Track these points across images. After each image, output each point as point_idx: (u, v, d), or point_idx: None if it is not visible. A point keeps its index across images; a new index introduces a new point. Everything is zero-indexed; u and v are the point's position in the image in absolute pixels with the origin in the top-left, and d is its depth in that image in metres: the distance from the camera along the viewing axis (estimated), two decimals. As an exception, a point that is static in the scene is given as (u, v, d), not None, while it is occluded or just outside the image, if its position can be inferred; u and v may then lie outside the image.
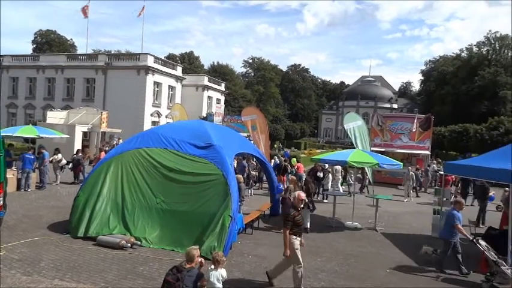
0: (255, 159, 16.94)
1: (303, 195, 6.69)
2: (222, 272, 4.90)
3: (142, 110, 34.47)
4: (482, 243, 7.18)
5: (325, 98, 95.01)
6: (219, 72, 63.04)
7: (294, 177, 12.11)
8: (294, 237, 6.31)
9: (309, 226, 10.41)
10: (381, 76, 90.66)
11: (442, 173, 13.52)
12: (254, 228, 10.11)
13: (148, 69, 34.71)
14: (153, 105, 36.17)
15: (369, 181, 17.43)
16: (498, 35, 58.30)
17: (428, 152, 23.13)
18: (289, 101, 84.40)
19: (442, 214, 10.62)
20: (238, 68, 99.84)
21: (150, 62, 35.25)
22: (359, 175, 19.81)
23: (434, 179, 21.09)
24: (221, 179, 8.45)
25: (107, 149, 19.38)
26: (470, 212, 13.98)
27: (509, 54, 58.17)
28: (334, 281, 7.00)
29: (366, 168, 16.17)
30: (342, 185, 17.61)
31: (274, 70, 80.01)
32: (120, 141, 23.43)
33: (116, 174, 9.03)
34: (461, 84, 55.61)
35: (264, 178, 16.81)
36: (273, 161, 19.73)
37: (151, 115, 35.95)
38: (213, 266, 4.94)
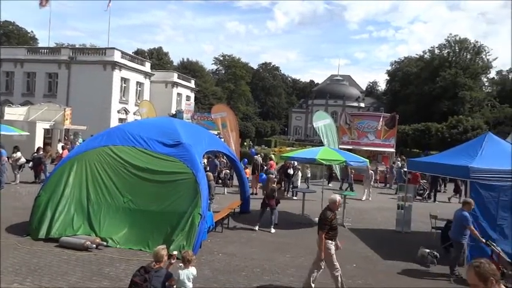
0: (225, 157, 16.88)
1: (340, 198, 6.66)
2: (192, 271, 4.86)
3: (108, 106, 33.41)
4: (495, 245, 7.23)
5: (295, 97, 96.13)
6: (189, 69, 62.19)
7: (272, 176, 12.29)
8: (330, 242, 6.29)
9: (276, 222, 10.57)
10: (349, 75, 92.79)
11: (406, 169, 14.04)
12: (224, 226, 10.08)
13: (115, 65, 33.66)
14: (120, 102, 35.14)
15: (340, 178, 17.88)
16: (458, 38, 61.19)
17: (393, 150, 23.96)
18: (260, 99, 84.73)
19: (406, 209, 11.08)
20: (209, 65, 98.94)
21: (117, 57, 34.19)
22: (325, 172, 20.26)
23: (399, 175, 21.88)
24: (191, 177, 8.36)
25: (69, 146, 18.66)
26: (441, 207, 14.65)
27: (468, 56, 61.22)
28: (303, 275, 7.09)
29: (335, 166, 16.58)
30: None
31: (245, 68, 79.98)
32: (80, 140, 22.64)
33: (80, 173, 8.71)
34: (424, 85, 57.97)
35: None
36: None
37: (119, 112, 34.92)
38: (182, 265, 4.88)
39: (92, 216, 8.28)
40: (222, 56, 79.62)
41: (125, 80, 35.94)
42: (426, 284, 7.15)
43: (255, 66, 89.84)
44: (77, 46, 53.04)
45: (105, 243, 7.83)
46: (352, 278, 7.15)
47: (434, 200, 17.64)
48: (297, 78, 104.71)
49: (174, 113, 37.90)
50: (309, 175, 18.38)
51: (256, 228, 10.19)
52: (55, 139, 22.91)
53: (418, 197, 17.69)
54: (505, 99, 66.81)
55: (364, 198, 16.38)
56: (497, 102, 64.23)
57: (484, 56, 61.29)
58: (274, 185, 10.93)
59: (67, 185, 8.53)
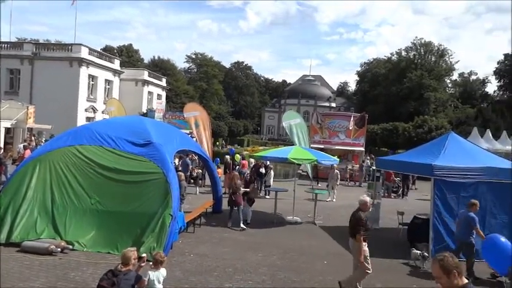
0: (197, 157, 16.72)
1: (370, 200, 6.67)
2: (162, 272, 4.77)
3: (75, 105, 32.21)
4: None
5: (268, 96, 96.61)
6: (160, 67, 60.99)
7: (236, 173, 12.32)
8: (365, 243, 6.31)
9: (249, 221, 10.72)
10: (320, 76, 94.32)
11: (374, 168, 14.45)
12: (196, 226, 9.98)
13: (82, 61, 32.51)
14: (87, 100, 33.99)
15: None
16: (423, 41, 63.68)
17: (362, 149, 24.59)
18: (233, 98, 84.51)
19: (375, 207, 11.39)
20: (181, 64, 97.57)
21: (84, 53, 33.03)
22: (299, 171, 20.53)
23: (368, 173, 22.49)
24: (161, 177, 8.22)
25: (32, 146, 17.86)
26: (408, 203, 15.14)
27: (432, 59, 63.82)
28: (275, 274, 7.17)
29: (307, 165, 16.79)
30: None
31: (217, 67, 79.51)
32: (44, 139, 21.74)
33: (44, 174, 8.35)
34: (392, 86, 59.88)
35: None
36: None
37: (86, 110, 33.76)
38: (153, 266, 4.78)
39: (56, 219, 7.96)
40: (195, 54, 78.79)
41: (92, 78, 34.79)
42: (393, 277, 7.38)
43: (228, 65, 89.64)
44: (40, 41, 50.83)
45: (71, 246, 7.56)
46: (322, 275, 7.28)
47: (402, 197, 18.39)
48: (270, 78, 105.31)
49: (144, 111, 37.10)
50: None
51: (229, 224, 10.33)
52: (17, 139, 21.84)
53: (393, 194, 18.53)
54: (466, 100, 70.33)
55: (328, 199, 15.89)
56: (459, 103, 67.47)
57: (447, 59, 64.19)
58: (239, 181, 11.13)
59: (29, 187, 8.15)
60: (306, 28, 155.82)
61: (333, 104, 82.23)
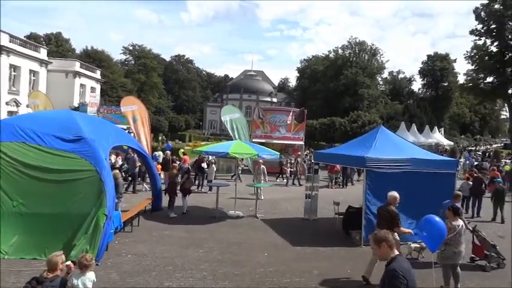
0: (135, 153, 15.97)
1: (397, 195, 7.12)
2: (89, 276, 4.45)
3: (-6, 97, 29.09)
4: (480, 231, 8.25)
5: (210, 91, 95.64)
6: (94, 58, 57.13)
7: (175, 164, 12.52)
8: (395, 233, 6.52)
9: (184, 211, 11.47)
10: (262, 71, 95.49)
11: (312, 161, 14.96)
12: (134, 225, 9.58)
13: (1, 49, 29.37)
14: (9, 93, 30.79)
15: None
16: (357, 40, 67.42)
17: (302, 143, 25.42)
18: (173, 92, 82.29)
19: (313, 198, 11.83)
20: (117, 55, 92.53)
21: (4, 40, 29.81)
22: (242, 166, 20.63)
23: (308, 166, 23.31)
24: (94, 175, 7.73)
25: None
26: (344, 194, 15.87)
27: (366, 57, 67.81)
28: (216, 269, 7.14)
29: (248, 159, 16.90)
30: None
31: (157, 59, 76.67)
32: None
33: (-45, 174, 7.41)
34: (329, 82, 62.60)
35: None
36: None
37: (7, 104, 30.58)
38: (79, 271, 4.46)
39: (-29, 224, 7.12)
40: (132, 45, 75.13)
41: (14, 68, 31.62)
42: (330, 264, 7.73)
43: (168, 59, 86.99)
44: (-49, 25, 44.99)
45: (-12, 254, 6.82)
46: (263, 267, 7.40)
47: (343, 186, 19.86)
48: (212, 72, 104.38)
49: (76, 105, 34.63)
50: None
51: (172, 215, 10.96)
52: None
53: (335, 185, 19.82)
54: (395, 96, 76.11)
55: (262, 197, 14.32)
56: (389, 100, 72.74)
57: (378, 58, 68.66)
58: (175, 171, 11.77)
59: None
60: (248, 23, 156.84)
61: (275, 99, 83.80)
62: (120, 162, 18.04)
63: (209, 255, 7.95)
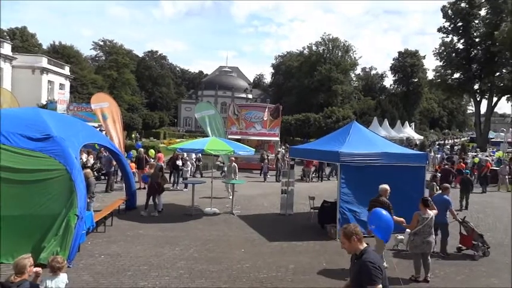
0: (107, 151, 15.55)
1: (387, 187, 7.48)
2: (62, 278, 4.31)
3: (-46, 95, 27.47)
4: (468, 222, 8.56)
5: (185, 87, 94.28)
6: (62, 54, 55.01)
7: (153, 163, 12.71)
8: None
9: (161, 209, 11.39)
10: (237, 67, 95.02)
11: (288, 157, 15.07)
12: (107, 225, 9.35)
13: (-39, 44, 27.82)
14: (-29, 90, 29.25)
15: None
16: (331, 37, 68.27)
17: (278, 139, 25.55)
18: (147, 89, 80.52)
19: (289, 193, 11.94)
20: (87, 51, 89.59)
21: (-36, 35, 28.29)
22: (218, 162, 20.52)
23: (284, 162, 23.49)
24: (64, 174, 7.47)
25: None
26: (319, 188, 16.08)
27: (339, 54, 68.82)
28: (192, 267, 7.08)
29: (222, 155, 16.81)
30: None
31: (129, 55, 74.72)
32: None
33: None
34: (304, 78, 63.14)
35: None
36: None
37: (-31, 102, 29.05)
38: (51, 274, 4.31)
39: None
40: (102, 41, 72.89)
41: (-24, 64, 30.08)
42: (306, 258, 7.83)
43: (141, 55, 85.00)
44: None
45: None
46: (240, 263, 7.41)
47: (320, 180, 20.49)
48: (186, 69, 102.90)
49: (44, 103, 33.35)
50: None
51: (145, 214, 10.92)
52: None
53: (314, 179, 20.62)
54: (368, 92, 77.79)
55: (230, 196, 13.24)
56: (362, 95, 74.26)
57: (351, 54, 69.78)
58: (153, 171, 11.67)
59: None
60: (222, 20, 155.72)
61: (250, 96, 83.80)
62: (92, 161, 17.56)
63: (185, 253, 7.87)
